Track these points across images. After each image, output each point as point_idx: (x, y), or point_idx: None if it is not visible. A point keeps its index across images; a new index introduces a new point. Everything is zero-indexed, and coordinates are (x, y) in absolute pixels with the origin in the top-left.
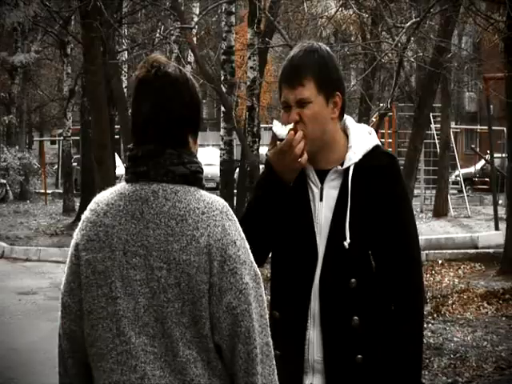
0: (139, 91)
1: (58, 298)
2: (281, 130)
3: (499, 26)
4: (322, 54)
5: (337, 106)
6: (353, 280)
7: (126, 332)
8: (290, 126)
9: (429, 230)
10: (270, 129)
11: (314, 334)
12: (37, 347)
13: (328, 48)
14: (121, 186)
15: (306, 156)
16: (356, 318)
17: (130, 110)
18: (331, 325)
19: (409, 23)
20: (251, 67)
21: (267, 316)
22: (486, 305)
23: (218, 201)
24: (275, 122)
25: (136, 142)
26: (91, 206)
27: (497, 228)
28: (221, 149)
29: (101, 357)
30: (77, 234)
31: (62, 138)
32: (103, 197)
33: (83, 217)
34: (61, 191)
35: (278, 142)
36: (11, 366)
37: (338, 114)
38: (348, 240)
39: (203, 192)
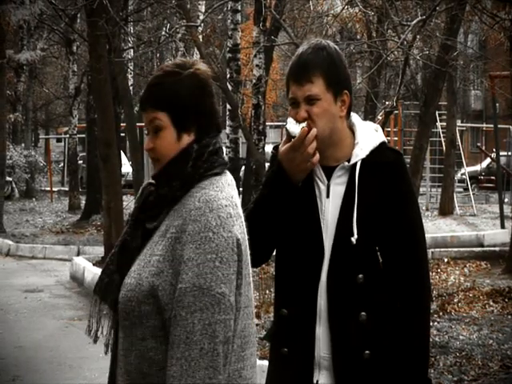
0: (210, 88)
1: (64, 295)
2: (294, 127)
3: (505, 24)
4: (331, 52)
5: (345, 105)
6: (360, 276)
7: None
8: (304, 124)
9: (434, 228)
10: (276, 127)
11: (320, 331)
12: (42, 345)
13: (336, 46)
14: (223, 179)
15: (317, 156)
16: (363, 313)
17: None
18: (339, 321)
19: (414, 21)
20: (257, 65)
21: None
22: (491, 303)
23: None
24: (289, 119)
25: (212, 134)
26: (225, 202)
27: (502, 226)
28: (226, 147)
29: (246, 345)
30: (229, 232)
31: (67, 135)
32: (225, 191)
33: (225, 214)
34: (67, 189)
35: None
36: (17, 363)
37: (345, 112)
38: (355, 236)
39: None
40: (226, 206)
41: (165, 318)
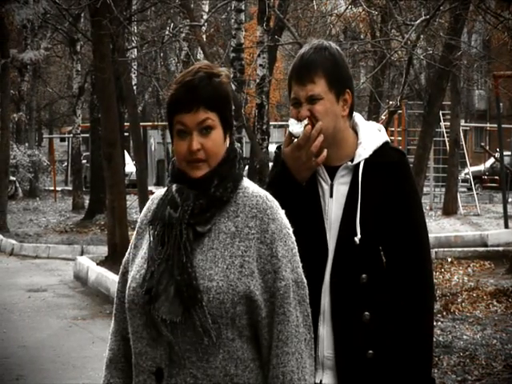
0: None
1: (68, 295)
2: (297, 127)
3: (509, 23)
4: (333, 52)
5: (347, 104)
6: (363, 275)
7: None
8: (306, 121)
9: (438, 227)
10: (280, 126)
11: (324, 331)
12: (46, 344)
13: (338, 47)
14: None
15: (324, 154)
16: (367, 313)
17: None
18: (342, 321)
19: (418, 21)
20: (260, 65)
21: None
22: (495, 303)
23: None
24: (291, 120)
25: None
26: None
27: (506, 226)
28: None
29: None
30: (291, 226)
31: (71, 135)
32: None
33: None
34: (70, 188)
35: (294, 139)
36: (20, 362)
37: (347, 112)
38: (359, 235)
39: None
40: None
41: (259, 317)
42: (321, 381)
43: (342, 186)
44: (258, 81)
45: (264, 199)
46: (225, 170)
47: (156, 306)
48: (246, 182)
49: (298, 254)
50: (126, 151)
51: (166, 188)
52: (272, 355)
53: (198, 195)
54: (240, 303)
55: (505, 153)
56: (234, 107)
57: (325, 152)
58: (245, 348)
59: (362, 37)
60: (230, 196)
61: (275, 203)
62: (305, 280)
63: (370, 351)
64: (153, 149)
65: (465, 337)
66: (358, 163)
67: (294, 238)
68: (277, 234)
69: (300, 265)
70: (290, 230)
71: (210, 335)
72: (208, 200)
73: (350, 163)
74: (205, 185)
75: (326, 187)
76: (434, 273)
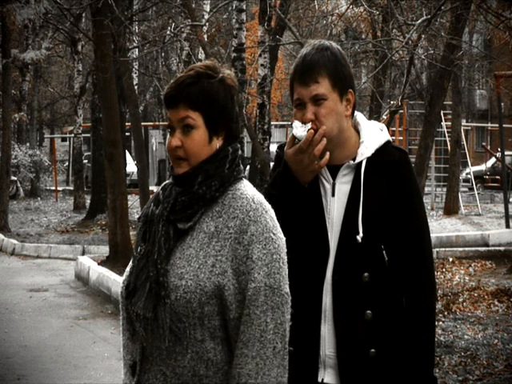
0: (237, 95)
1: (69, 294)
2: (300, 131)
3: (510, 23)
4: (335, 52)
5: (350, 104)
6: (366, 274)
7: None
8: (309, 125)
9: (439, 227)
10: (281, 126)
11: (325, 329)
12: (47, 344)
13: (339, 46)
14: (248, 182)
15: (326, 157)
16: (369, 312)
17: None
18: (344, 319)
19: (420, 20)
20: (262, 65)
21: None
22: (496, 303)
23: None
24: (295, 123)
25: (237, 141)
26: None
27: (507, 226)
28: None
29: None
30: (281, 233)
31: (72, 135)
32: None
33: (274, 215)
34: (71, 188)
35: (296, 141)
36: (22, 362)
37: (350, 111)
38: (361, 234)
39: None
40: (270, 208)
41: (228, 317)
42: (322, 379)
43: (344, 185)
44: (259, 80)
45: (249, 201)
46: (210, 169)
47: (133, 300)
48: (241, 184)
49: (281, 260)
50: (127, 151)
51: None
52: (234, 355)
53: (182, 192)
54: (209, 303)
55: (506, 152)
56: (236, 109)
57: (327, 155)
58: (218, 350)
59: (363, 37)
60: (214, 195)
61: (263, 206)
62: (284, 289)
63: (372, 350)
64: (154, 149)
65: (466, 336)
66: (360, 162)
67: (279, 244)
68: (256, 237)
69: (282, 272)
70: (276, 236)
71: (174, 334)
72: (190, 197)
73: (352, 162)
74: (188, 182)
75: (328, 186)
76: (436, 272)
